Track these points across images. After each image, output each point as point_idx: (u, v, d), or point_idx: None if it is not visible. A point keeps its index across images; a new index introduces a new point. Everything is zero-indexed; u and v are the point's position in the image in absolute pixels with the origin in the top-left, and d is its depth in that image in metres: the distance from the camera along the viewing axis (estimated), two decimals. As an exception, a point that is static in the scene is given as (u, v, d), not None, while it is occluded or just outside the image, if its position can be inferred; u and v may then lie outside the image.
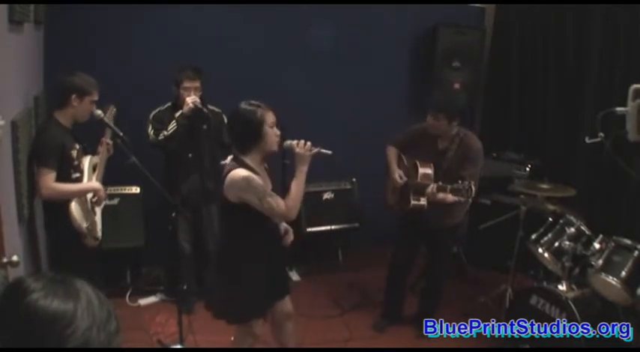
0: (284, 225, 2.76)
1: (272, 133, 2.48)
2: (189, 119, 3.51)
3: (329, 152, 2.47)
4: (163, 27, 4.04)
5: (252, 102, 2.49)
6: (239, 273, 2.56)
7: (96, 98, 2.88)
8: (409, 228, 3.53)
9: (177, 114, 3.52)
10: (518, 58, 4.82)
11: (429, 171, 3.33)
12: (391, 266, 3.75)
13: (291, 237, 2.75)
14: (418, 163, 3.36)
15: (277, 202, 2.45)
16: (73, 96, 2.79)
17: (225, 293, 2.58)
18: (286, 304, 2.85)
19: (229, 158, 2.56)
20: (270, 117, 2.47)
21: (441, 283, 3.69)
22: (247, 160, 2.49)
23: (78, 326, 0.89)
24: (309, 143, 2.49)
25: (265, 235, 2.60)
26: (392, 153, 3.56)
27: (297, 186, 2.50)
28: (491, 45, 5.06)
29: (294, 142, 2.50)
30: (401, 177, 3.44)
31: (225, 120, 3.69)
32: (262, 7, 4.26)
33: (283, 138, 2.55)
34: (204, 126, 3.64)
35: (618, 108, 2.72)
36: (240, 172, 2.42)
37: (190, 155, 3.65)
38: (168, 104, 3.65)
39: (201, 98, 3.55)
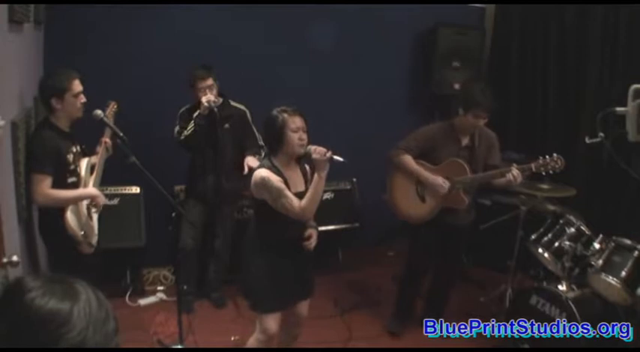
0: (311, 230, 2.75)
1: (294, 137, 2.58)
2: (206, 119, 3.54)
3: (341, 159, 2.49)
4: (163, 27, 4.05)
5: (283, 107, 2.62)
6: (254, 265, 2.71)
7: (77, 90, 2.70)
8: (430, 227, 3.42)
9: (195, 114, 3.55)
10: (518, 58, 4.82)
11: (464, 166, 3.28)
12: (412, 268, 3.63)
13: (312, 242, 2.73)
14: (448, 162, 3.31)
15: (291, 203, 2.56)
16: (53, 99, 2.65)
17: (248, 280, 2.78)
18: (302, 308, 2.88)
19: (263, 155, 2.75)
20: (293, 122, 2.58)
21: (455, 281, 3.69)
22: (275, 161, 2.63)
23: (74, 325, 0.89)
24: (323, 149, 2.52)
25: (279, 233, 2.68)
26: (411, 161, 3.37)
27: (313, 190, 2.56)
28: (491, 45, 5.06)
29: (312, 148, 2.55)
30: (444, 182, 3.29)
31: (249, 117, 3.74)
32: (262, 7, 4.26)
33: (309, 142, 2.61)
34: (227, 125, 3.67)
35: (618, 108, 2.72)
36: (261, 172, 2.58)
37: (211, 153, 3.68)
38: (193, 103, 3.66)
39: (220, 93, 3.61)
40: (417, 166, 3.37)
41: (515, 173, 3.11)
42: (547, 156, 3.10)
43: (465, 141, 3.36)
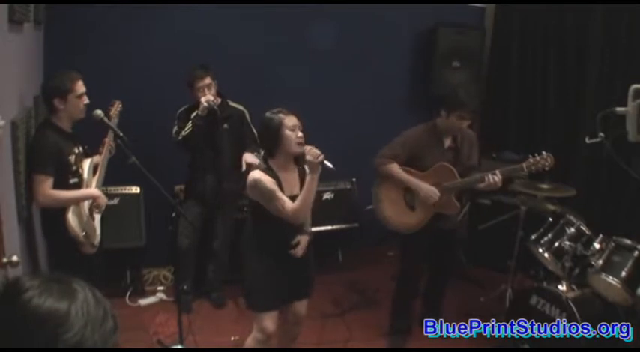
0: (300, 237, 2.75)
1: (291, 136, 2.58)
2: (204, 119, 3.54)
3: (330, 166, 2.49)
4: (163, 26, 4.04)
5: (276, 109, 2.64)
6: (250, 264, 2.75)
7: (80, 91, 2.72)
8: (423, 235, 3.36)
9: (193, 114, 3.55)
10: (518, 58, 4.82)
11: (453, 171, 3.23)
12: (406, 274, 3.54)
13: (299, 250, 2.73)
14: (436, 167, 3.26)
15: (283, 205, 2.56)
16: (56, 100, 2.66)
17: (246, 279, 2.79)
18: (301, 307, 2.88)
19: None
20: (289, 121, 2.59)
21: (449, 278, 3.70)
22: (271, 162, 2.64)
23: (72, 324, 0.89)
24: (317, 151, 2.51)
25: (275, 234, 2.69)
26: (398, 169, 3.28)
27: (305, 192, 2.56)
28: (491, 45, 5.06)
29: (307, 148, 2.55)
30: (434, 190, 3.22)
31: (247, 117, 3.74)
32: (262, 7, 4.26)
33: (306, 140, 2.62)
34: (225, 125, 3.67)
35: (618, 108, 2.72)
36: (254, 174, 2.59)
37: (211, 153, 3.69)
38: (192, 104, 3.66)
39: (219, 93, 3.63)
40: (405, 174, 3.29)
41: (495, 178, 3.06)
42: (536, 155, 3.08)
43: (448, 142, 3.33)
